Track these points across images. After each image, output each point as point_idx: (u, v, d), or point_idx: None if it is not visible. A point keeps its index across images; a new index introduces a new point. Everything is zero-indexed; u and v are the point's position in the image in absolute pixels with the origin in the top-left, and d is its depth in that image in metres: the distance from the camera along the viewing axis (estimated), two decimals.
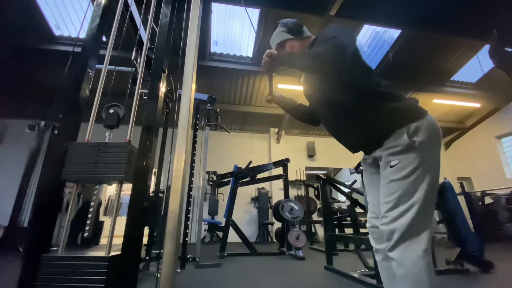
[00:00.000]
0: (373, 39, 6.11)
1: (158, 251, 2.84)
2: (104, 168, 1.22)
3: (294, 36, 1.22)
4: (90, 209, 1.39)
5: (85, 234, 1.42)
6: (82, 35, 1.96)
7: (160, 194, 3.73)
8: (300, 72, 1.17)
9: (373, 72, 1.05)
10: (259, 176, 4.61)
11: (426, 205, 0.88)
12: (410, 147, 0.90)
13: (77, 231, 4.74)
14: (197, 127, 3.53)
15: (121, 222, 1.14)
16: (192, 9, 1.57)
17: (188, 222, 3.14)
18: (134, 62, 1.75)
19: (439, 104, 7.20)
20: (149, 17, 1.65)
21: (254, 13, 5.11)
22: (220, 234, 5.22)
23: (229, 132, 5.33)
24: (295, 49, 1.21)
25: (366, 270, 2.62)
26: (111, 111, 1.39)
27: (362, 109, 1.00)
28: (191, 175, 3.22)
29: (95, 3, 1.61)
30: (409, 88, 6.82)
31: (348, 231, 4.93)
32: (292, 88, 6.10)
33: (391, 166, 0.92)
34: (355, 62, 1.02)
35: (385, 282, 1.04)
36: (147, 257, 2.72)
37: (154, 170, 1.86)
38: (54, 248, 1.23)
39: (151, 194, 2.81)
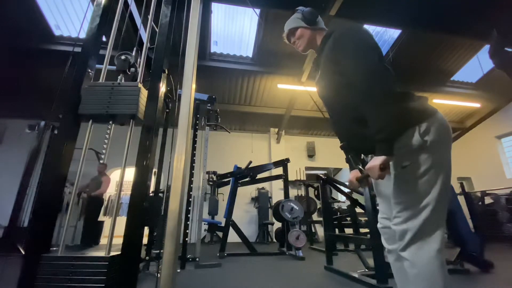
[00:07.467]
0: None
1: (158, 251, 2.84)
2: (118, 103, 1.33)
3: (308, 25, 1.23)
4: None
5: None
6: (82, 35, 1.96)
7: (160, 194, 3.73)
8: (315, 71, 1.15)
9: (390, 71, 1.00)
10: (259, 176, 4.61)
11: (439, 206, 0.87)
12: (422, 147, 0.88)
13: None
14: (197, 127, 3.53)
15: (121, 222, 1.14)
16: (192, 9, 1.57)
17: (188, 222, 3.14)
18: (134, 62, 1.75)
19: (439, 104, 7.18)
20: (149, 17, 1.66)
21: (254, 13, 5.10)
22: (220, 234, 5.21)
23: (229, 132, 5.33)
24: (305, 37, 1.22)
25: (366, 270, 2.62)
26: (123, 57, 1.57)
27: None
28: (191, 175, 3.22)
29: (95, 3, 1.60)
30: (409, 88, 6.78)
31: (348, 231, 4.93)
32: (292, 88, 6.10)
33: (403, 167, 0.90)
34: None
35: (399, 283, 1.02)
36: (147, 257, 2.72)
37: (154, 170, 1.86)
38: (54, 248, 1.23)
39: (151, 194, 2.81)
